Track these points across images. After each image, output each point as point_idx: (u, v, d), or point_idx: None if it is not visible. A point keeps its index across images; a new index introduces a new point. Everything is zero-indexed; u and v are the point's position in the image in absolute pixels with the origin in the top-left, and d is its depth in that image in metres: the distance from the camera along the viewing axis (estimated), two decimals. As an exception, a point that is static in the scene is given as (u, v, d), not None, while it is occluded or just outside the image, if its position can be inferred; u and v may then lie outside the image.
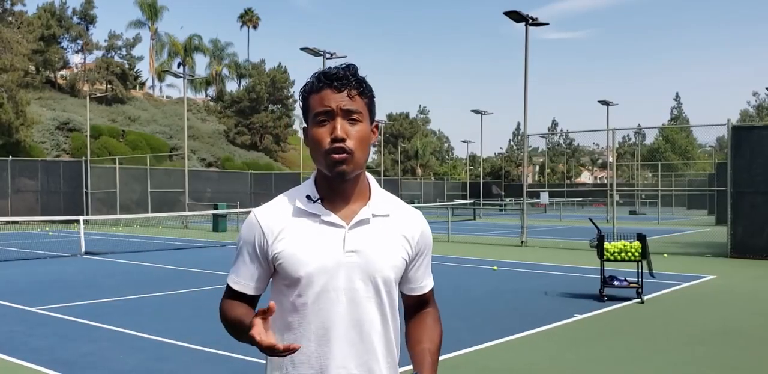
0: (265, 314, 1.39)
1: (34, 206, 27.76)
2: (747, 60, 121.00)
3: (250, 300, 1.67)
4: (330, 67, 1.60)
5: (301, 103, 1.64)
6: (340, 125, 1.54)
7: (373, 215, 1.62)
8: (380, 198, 1.66)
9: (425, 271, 1.75)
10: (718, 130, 17.20)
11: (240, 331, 1.52)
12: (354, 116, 1.56)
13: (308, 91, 1.61)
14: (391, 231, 1.63)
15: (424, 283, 1.76)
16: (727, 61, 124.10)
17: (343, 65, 1.60)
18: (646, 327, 7.05)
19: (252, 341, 1.39)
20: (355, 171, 1.58)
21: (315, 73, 1.62)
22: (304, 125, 1.65)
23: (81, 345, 6.09)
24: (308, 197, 1.62)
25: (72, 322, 7.15)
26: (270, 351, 1.38)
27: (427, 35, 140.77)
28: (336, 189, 1.61)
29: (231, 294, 1.68)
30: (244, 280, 1.65)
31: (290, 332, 1.59)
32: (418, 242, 1.68)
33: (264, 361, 1.70)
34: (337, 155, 1.53)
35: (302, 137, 1.69)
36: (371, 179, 1.69)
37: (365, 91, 1.60)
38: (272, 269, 1.63)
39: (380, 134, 61.22)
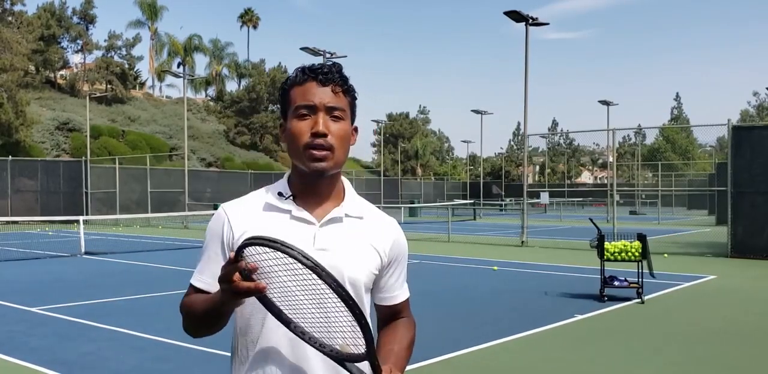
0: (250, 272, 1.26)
1: (33, 206, 27.76)
2: (747, 60, 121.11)
3: None
4: (314, 63, 1.55)
5: (280, 96, 1.58)
6: (323, 120, 1.48)
7: (346, 215, 1.55)
8: (354, 201, 1.60)
9: (399, 281, 1.66)
10: (718, 130, 17.22)
11: (208, 306, 1.41)
12: (337, 113, 1.50)
13: (290, 84, 1.54)
14: (363, 234, 1.56)
15: (396, 293, 1.66)
16: (727, 61, 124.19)
17: (329, 63, 1.55)
18: (646, 327, 7.05)
19: (227, 283, 1.26)
20: (334, 169, 1.51)
21: (298, 67, 1.55)
22: (281, 121, 1.58)
23: (81, 345, 6.09)
24: (280, 193, 1.55)
25: (72, 322, 7.15)
26: (244, 288, 1.25)
27: (428, 35, 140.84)
28: (310, 187, 1.54)
29: (195, 293, 1.56)
30: (210, 278, 1.53)
31: (252, 334, 1.51)
32: (392, 249, 1.60)
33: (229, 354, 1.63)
34: (317, 152, 1.47)
35: (279, 132, 1.60)
36: (346, 182, 1.62)
37: (349, 90, 1.54)
38: None
39: (380, 134, 61.47)
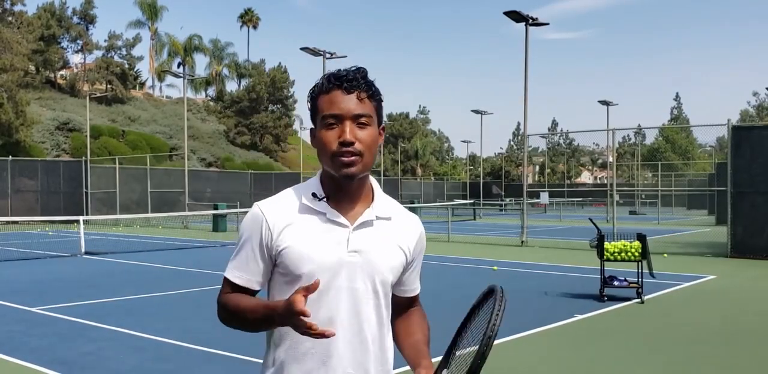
0: (308, 291, 1.36)
1: (34, 206, 27.75)
2: (747, 60, 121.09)
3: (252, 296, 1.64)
4: (340, 70, 1.60)
5: (309, 104, 1.63)
6: (349, 129, 1.54)
7: (377, 217, 1.63)
8: (383, 201, 1.67)
9: (417, 274, 1.78)
10: (718, 130, 17.21)
11: (259, 317, 1.51)
12: (363, 120, 1.56)
13: (317, 93, 1.60)
14: (392, 234, 1.65)
15: (415, 286, 1.79)
16: (727, 61, 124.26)
17: (354, 68, 1.59)
18: (646, 327, 7.05)
19: (290, 316, 1.37)
20: (363, 173, 1.58)
21: (325, 74, 1.61)
22: (312, 126, 1.64)
23: (81, 345, 6.09)
24: (314, 194, 1.61)
25: (72, 322, 7.15)
26: (305, 328, 1.36)
27: (427, 35, 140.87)
28: (341, 189, 1.61)
29: (232, 289, 1.64)
30: (248, 274, 1.62)
31: (290, 331, 1.54)
32: (416, 246, 1.71)
33: (260, 361, 1.69)
34: (345, 158, 1.54)
35: (310, 137, 1.68)
36: (374, 181, 1.69)
37: (374, 95, 1.59)
38: (273, 265, 1.62)
39: (380, 134, 61.30)
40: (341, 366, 1.57)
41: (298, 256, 1.56)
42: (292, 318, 1.37)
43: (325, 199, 1.61)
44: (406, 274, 1.72)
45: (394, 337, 1.73)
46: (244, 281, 1.63)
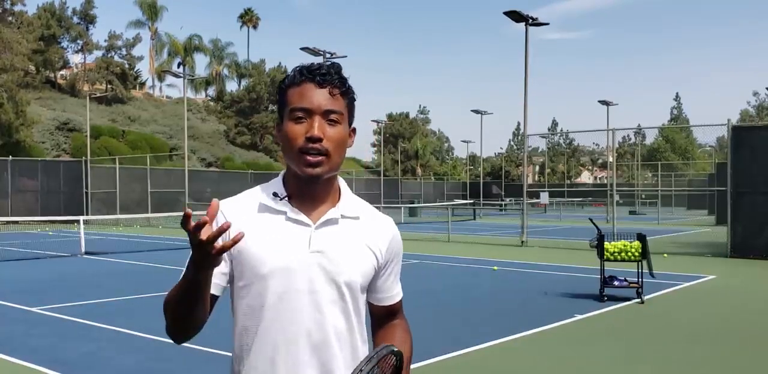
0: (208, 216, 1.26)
1: (34, 206, 27.74)
2: (747, 60, 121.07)
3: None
4: (314, 63, 1.51)
5: (278, 96, 1.53)
6: (318, 124, 1.45)
7: (342, 216, 1.53)
8: (350, 201, 1.57)
9: (394, 280, 1.64)
10: (718, 130, 17.19)
11: (183, 284, 1.37)
12: (333, 117, 1.47)
13: (287, 85, 1.50)
14: (360, 235, 1.54)
15: (393, 293, 1.65)
16: (727, 61, 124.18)
17: (328, 63, 1.51)
18: (646, 327, 7.05)
19: (192, 238, 1.24)
20: (329, 174, 1.48)
21: (297, 66, 1.51)
22: (278, 120, 1.55)
23: (81, 345, 6.09)
24: (275, 194, 1.51)
25: (72, 322, 7.15)
26: (200, 238, 1.23)
27: (428, 35, 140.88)
28: (305, 189, 1.51)
29: None
30: None
31: (248, 337, 1.48)
32: (389, 248, 1.58)
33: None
34: (311, 157, 1.44)
35: (275, 132, 1.57)
36: (342, 182, 1.59)
37: (347, 92, 1.51)
38: (231, 268, 1.50)
39: (380, 134, 61.46)
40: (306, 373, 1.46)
41: (256, 257, 1.45)
42: (193, 238, 1.24)
43: (286, 198, 1.51)
44: (380, 279, 1.60)
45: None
46: None
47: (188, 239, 1.26)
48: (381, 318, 1.67)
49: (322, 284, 1.47)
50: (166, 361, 5.56)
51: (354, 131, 1.57)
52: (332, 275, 1.48)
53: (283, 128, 1.49)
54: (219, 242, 1.26)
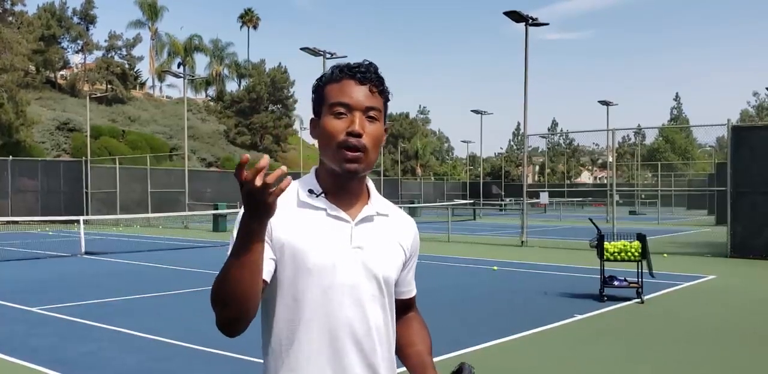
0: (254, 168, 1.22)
1: (34, 206, 27.75)
2: (747, 60, 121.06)
3: None
4: (350, 62, 1.53)
5: (313, 94, 1.54)
6: (359, 120, 1.46)
7: (377, 213, 1.57)
8: (379, 199, 1.61)
9: (413, 275, 1.72)
10: (718, 130, 17.20)
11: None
12: (372, 113, 1.49)
13: (325, 82, 1.52)
14: (391, 231, 1.59)
15: (411, 287, 1.72)
16: (727, 61, 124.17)
17: (366, 62, 1.53)
18: (646, 327, 7.05)
19: (244, 187, 1.22)
20: (366, 171, 1.51)
21: (335, 65, 1.53)
22: (312, 117, 1.56)
23: (81, 345, 6.09)
24: (310, 190, 1.53)
25: (72, 322, 7.15)
26: (255, 185, 1.21)
27: (428, 35, 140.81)
28: (340, 185, 1.53)
29: None
30: None
31: (289, 331, 1.49)
32: (412, 245, 1.64)
33: (260, 360, 1.62)
34: (350, 153, 1.45)
35: (309, 129, 1.58)
36: (370, 181, 1.63)
37: (385, 91, 1.53)
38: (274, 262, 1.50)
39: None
40: (350, 365, 1.48)
41: (300, 252, 1.47)
42: (246, 186, 1.21)
43: (323, 195, 1.52)
44: (403, 273, 1.65)
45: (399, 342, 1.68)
46: None
47: (240, 188, 1.23)
48: (398, 309, 1.70)
49: (363, 279, 1.50)
50: (167, 361, 5.56)
51: (386, 130, 1.58)
52: (372, 270, 1.52)
53: (322, 124, 1.50)
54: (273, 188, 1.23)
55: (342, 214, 1.52)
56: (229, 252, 1.36)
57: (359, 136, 1.45)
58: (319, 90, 1.53)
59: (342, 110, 1.48)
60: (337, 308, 1.48)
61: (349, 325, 1.49)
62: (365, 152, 1.47)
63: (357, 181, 1.54)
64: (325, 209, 1.52)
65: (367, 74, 1.49)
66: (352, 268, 1.49)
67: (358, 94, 1.48)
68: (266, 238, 1.41)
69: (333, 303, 1.48)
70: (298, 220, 1.50)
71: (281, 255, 1.48)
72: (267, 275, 1.43)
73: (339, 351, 1.48)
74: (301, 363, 1.48)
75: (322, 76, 1.54)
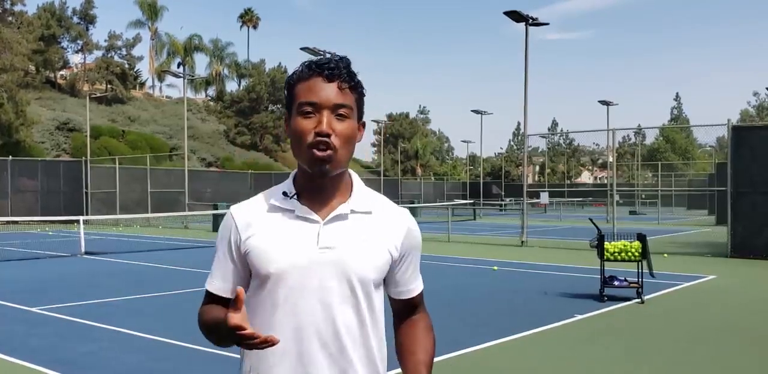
0: (236, 304, 1.30)
1: (34, 206, 27.75)
2: (747, 60, 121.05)
3: None
4: (322, 58, 1.50)
5: (285, 91, 1.52)
6: (327, 119, 1.43)
7: (352, 211, 1.51)
8: (362, 195, 1.55)
9: (413, 273, 1.63)
10: (718, 130, 17.19)
11: (218, 331, 1.41)
12: (342, 111, 1.45)
13: (295, 80, 1.49)
14: (372, 229, 1.52)
15: (412, 286, 1.64)
16: (727, 61, 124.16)
17: (337, 57, 1.49)
18: (646, 327, 7.05)
19: (230, 334, 1.30)
20: (338, 170, 1.48)
21: (305, 61, 1.50)
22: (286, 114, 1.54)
23: (81, 345, 6.09)
24: (284, 193, 1.52)
25: (72, 322, 7.15)
26: (248, 341, 1.30)
27: (428, 35, 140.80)
28: (314, 185, 1.50)
29: (209, 299, 1.58)
30: (220, 282, 1.56)
31: (264, 332, 1.45)
32: (404, 242, 1.56)
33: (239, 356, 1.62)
34: (319, 152, 1.43)
35: (285, 128, 1.56)
36: (354, 176, 1.58)
37: (356, 86, 1.49)
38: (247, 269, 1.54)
39: (380, 134, 61.46)
40: (318, 369, 1.47)
41: (264, 256, 1.47)
42: (231, 335, 1.30)
43: (295, 196, 1.51)
44: (398, 273, 1.59)
45: (396, 348, 1.64)
46: (216, 288, 1.57)
47: (226, 324, 1.32)
48: (401, 311, 1.67)
49: (333, 280, 1.47)
50: (167, 361, 5.56)
51: (363, 125, 1.55)
52: (343, 271, 1.47)
53: (292, 124, 1.48)
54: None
55: (311, 214, 1.49)
56: (213, 267, 1.60)
57: (328, 136, 1.43)
58: (290, 89, 1.51)
59: (309, 109, 1.45)
60: (302, 310, 1.47)
61: (315, 327, 1.47)
62: (335, 151, 1.44)
63: (332, 179, 1.51)
64: (294, 211, 1.50)
65: (336, 70, 1.46)
66: (319, 270, 1.47)
67: (326, 91, 1.45)
68: (235, 249, 1.54)
69: (298, 306, 1.47)
70: (265, 225, 1.50)
71: (249, 262, 1.52)
72: (243, 282, 1.55)
73: (305, 354, 1.47)
74: (270, 364, 1.49)
75: (293, 74, 1.51)
